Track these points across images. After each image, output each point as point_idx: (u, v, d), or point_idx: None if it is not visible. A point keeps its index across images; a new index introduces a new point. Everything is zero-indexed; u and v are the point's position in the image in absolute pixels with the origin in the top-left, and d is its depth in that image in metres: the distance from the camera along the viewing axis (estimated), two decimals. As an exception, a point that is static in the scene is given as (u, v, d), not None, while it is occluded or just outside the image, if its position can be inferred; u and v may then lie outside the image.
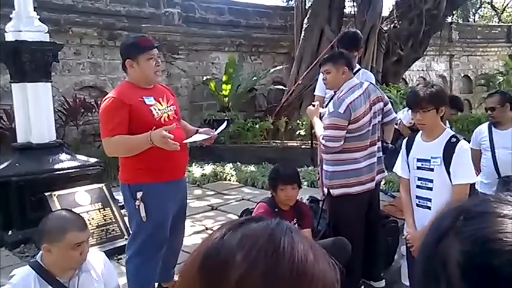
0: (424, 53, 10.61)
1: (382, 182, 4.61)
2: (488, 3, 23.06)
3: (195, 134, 2.90)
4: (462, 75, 15.02)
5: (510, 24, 18.13)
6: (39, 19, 4.31)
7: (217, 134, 2.90)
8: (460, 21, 17.41)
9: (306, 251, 0.59)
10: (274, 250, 0.57)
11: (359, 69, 3.72)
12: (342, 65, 3.01)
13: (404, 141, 2.60)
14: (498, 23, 21.51)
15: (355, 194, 3.01)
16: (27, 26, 4.16)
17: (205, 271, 0.59)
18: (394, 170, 2.68)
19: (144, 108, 2.61)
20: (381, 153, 3.17)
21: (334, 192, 3.06)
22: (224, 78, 8.55)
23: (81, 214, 2.31)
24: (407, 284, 3.04)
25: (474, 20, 22.78)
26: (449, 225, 0.57)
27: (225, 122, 2.98)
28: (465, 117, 8.23)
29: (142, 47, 2.65)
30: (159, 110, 2.68)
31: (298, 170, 3.35)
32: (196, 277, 0.59)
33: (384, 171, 3.24)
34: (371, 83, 3.27)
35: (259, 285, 0.55)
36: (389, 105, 3.29)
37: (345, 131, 2.90)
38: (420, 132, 2.51)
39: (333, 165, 3.04)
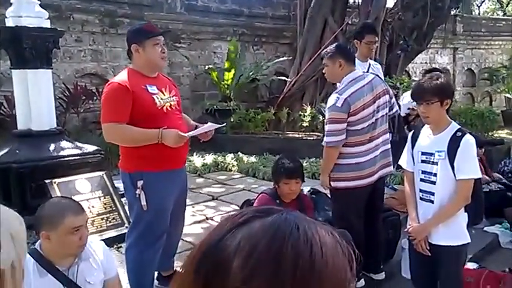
0: (428, 46, 10.51)
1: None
2: (493, -4, 22.88)
3: (194, 129, 2.87)
4: (465, 68, 14.92)
5: (515, 17, 17.97)
6: (39, 5, 4.26)
7: (214, 129, 2.86)
8: (464, 14, 17.24)
9: (314, 253, 0.55)
10: (274, 256, 0.54)
11: (369, 64, 3.78)
12: (337, 58, 3.00)
13: (410, 134, 2.57)
14: (503, 16, 21.33)
15: (355, 187, 3.00)
16: (27, 12, 4.11)
17: (201, 274, 0.56)
18: (399, 163, 2.66)
19: (146, 96, 2.58)
20: (388, 146, 3.15)
21: (336, 185, 3.06)
22: (226, 64, 8.47)
23: (81, 202, 2.30)
24: (408, 277, 3.03)
25: (479, 13, 22.58)
26: None
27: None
28: (468, 110, 8.20)
29: (149, 32, 2.65)
30: (161, 99, 2.65)
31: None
32: (191, 277, 0.57)
33: (389, 165, 3.19)
34: (377, 75, 3.26)
35: None
36: (394, 99, 3.28)
37: (345, 124, 2.88)
38: (426, 125, 2.47)
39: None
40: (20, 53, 4.13)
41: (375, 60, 4.57)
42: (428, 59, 13.56)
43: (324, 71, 3.17)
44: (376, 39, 4.04)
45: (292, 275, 0.53)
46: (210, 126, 2.82)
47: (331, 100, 2.96)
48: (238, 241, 0.56)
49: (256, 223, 0.58)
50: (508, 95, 13.90)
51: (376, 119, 2.99)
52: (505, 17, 19.47)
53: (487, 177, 4.96)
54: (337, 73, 3.03)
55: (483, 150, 4.99)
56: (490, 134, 8.22)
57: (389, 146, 3.18)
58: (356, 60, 3.28)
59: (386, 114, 3.10)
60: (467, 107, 9.38)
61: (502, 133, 9.79)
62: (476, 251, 3.84)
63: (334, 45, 3.17)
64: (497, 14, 22.79)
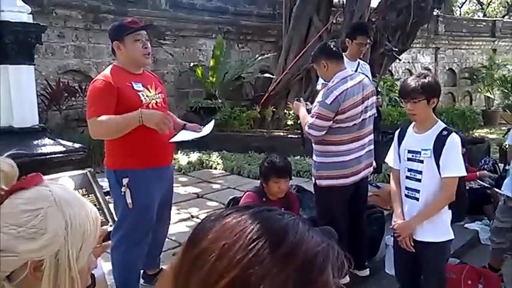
0: (411, 45, 10.64)
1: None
2: (474, -3, 23.28)
3: (182, 129, 2.84)
4: (447, 68, 15.16)
5: (495, 19, 18.33)
6: (22, -1, 4.18)
7: (204, 135, 2.82)
8: (446, 14, 17.51)
9: (288, 243, 0.55)
10: (246, 247, 0.54)
11: (358, 62, 3.81)
12: (320, 60, 3.03)
13: (397, 132, 2.60)
14: (483, 17, 21.74)
15: (339, 186, 3.02)
16: (9, 6, 4.03)
17: (182, 273, 0.59)
18: (385, 161, 2.68)
19: (131, 93, 2.55)
20: (371, 147, 3.18)
21: (321, 183, 3.08)
22: (211, 62, 8.43)
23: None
24: (391, 273, 3.07)
25: (460, 14, 22.97)
26: None
27: (212, 122, 2.93)
28: (450, 109, 8.34)
29: (128, 28, 2.59)
30: (147, 96, 2.62)
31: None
32: (170, 278, 0.60)
33: (372, 165, 3.23)
34: (366, 75, 3.28)
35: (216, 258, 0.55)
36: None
37: (330, 122, 2.90)
38: (413, 123, 2.50)
39: (320, 156, 3.05)
40: (2, 48, 4.05)
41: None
42: (411, 58, 13.73)
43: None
44: (368, 41, 4.03)
45: (262, 265, 0.53)
46: (203, 130, 2.80)
47: (321, 95, 2.97)
48: (212, 234, 0.57)
49: (231, 216, 0.59)
50: (487, 95, 14.20)
51: (363, 119, 3.00)
52: (485, 18, 19.84)
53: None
54: (325, 74, 3.06)
55: (464, 149, 5.08)
56: (470, 133, 8.39)
57: (373, 146, 3.21)
58: (345, 59, 3.29)
59: (373, 114, 3.13)
60: (448, 106, 9.54)
61: (482, 132, 10.00)
62: (457, 247, 3.91)
63: (317, 47, 3.19)
64: (478, 16, 23.23)
